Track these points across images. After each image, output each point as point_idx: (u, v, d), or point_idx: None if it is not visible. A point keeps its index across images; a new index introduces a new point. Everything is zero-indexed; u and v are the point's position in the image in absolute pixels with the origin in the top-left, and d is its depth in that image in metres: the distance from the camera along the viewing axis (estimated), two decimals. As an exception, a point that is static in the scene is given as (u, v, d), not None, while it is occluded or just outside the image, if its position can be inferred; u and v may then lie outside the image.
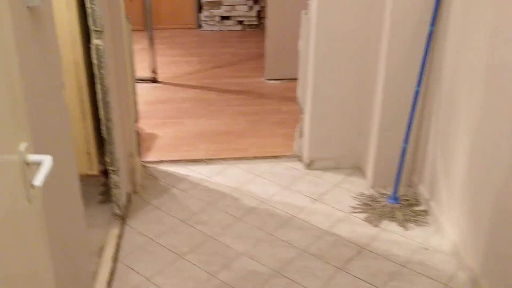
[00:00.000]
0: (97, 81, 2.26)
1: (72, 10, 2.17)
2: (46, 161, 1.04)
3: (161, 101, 4.03)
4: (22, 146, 1.01)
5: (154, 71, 4.37)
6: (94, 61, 2.22)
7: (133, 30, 5.63)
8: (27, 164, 1.02)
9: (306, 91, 2.88)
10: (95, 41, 2.19)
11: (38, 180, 1.00)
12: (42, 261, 1.13)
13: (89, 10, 2.13)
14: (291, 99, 4.00)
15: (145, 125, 3.55)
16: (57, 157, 1.47)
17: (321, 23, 2.65)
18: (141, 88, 4.24)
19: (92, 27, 2.16)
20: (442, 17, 2.35)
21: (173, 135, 3.45)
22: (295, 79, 3.09)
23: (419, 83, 2.47)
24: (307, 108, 2.89)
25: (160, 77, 4.47)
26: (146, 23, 4.32)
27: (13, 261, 0.96)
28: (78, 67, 2.26)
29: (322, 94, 2.81)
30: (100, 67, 2.23)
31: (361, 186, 2.86)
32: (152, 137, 3.41)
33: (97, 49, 2.19)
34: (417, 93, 2.48)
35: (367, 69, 2.75)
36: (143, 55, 4.70)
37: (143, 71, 4.48)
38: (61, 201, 1.54)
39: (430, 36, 2.39)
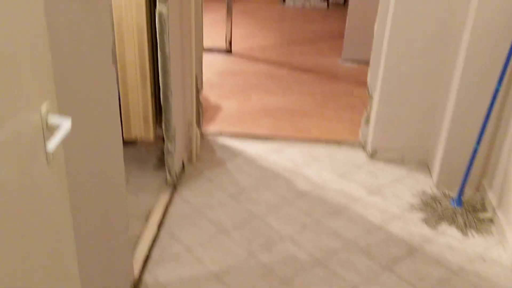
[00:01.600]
0: (159, 48, 2.25)
1: (139, -26, 2.16)
2: (65, 124, 1.01)
3: (232, 72, 4.00)
4: (44, 106, 0.99)
5: (229, 42, 4.34)
6: (157, 27, 2.21)
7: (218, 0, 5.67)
8: (47, 125, 1.00)
9: (377, 77, 2.72)
10: (159, 6, 2.17)
11: (52, 144, 0.99)
12: (63, 227, 1.13)
13: (155, -25, 2.11)
14: (365, 83, 3.81)
15: (212, 96, 3.54)
16: (95, 119, 1.47)
17: (400, 6, 2.46)
18: (214, 58, 4.24)
19: (157, -8, 2.14)
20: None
21: (237, 108, 3.41)
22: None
23: (500, 81, 2.24)
24: (376, 94, 2.73)
25: (236, 49, 4.44)
26: (227, -7, 4.28)
27: (32, 225, 0.95)
28: (141, 32, 2.26)
29: (393, 81, 2.64)
30: (162, 34, 2.22)
31: (424, 183, 2.68)
32: (217, 108, 3.40)
33: (160, 15, 2.17)
34: (496, 91, 2.26)
35: (443, 59, 2.54)
36: (222, 26, 4.68)
37: (219, 41, 4.47)
38: (101, 164, 1.55)
39: (520, 28, 2.15)
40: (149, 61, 2.36)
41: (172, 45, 2.29)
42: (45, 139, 0.99)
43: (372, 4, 4.00)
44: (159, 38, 2.23)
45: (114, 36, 2.34)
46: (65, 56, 1.24)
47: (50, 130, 1.01)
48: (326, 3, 5.77)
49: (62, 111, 1.13)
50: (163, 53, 2.26)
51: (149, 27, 2.30)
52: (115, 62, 1.59)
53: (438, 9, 2.43)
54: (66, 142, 1.14)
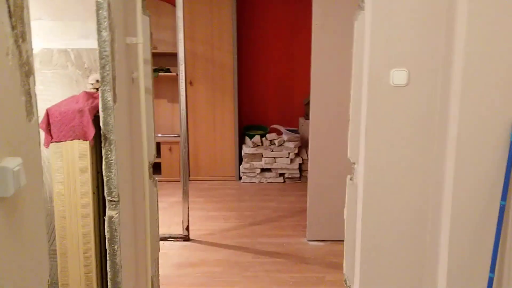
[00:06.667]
0: (108, 257, 1.95)
1: (86, 178, 1.94)
2: None
3: (192, 263, 3.66)
4: None
5: (187, 228, 4.07)
6: (107, 234, 1.93)
7: (171, 181, 5.55)
8: None
9: (354, 269, 2.46)
10: (109, 212, 1.92)
11: None
12: None
13: (105, 179, 1.90)
14: (336, 265, 3.57)
15: (170, 295, 3.15)
16: None
17: (370, 191, 2.32)
18: (171, 247, 3.92)
19: (107, 197, 1.91)
20: (516, 189, 1.98)
21: (200, 309, 3.02)
22: (341, 240, 2.70)
23: (492, 269, 2.03)
24: None
25: (194, 234, 4.15)
26: (182, 176, 4.12)
27: None
28: (87, 242, 1.97)
29: (373, 274, 2.37)
30: (112, 242, 1.93)
31: None
32: (176, 310, 3.00)
33: (110, 221, 1.91)
34: (491, 281, 2.03)
35: (425, 249, 2.34)
36: (178, 209, 4.46)
37: (176, 227, 4.20)
38: None
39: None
40: (96, 273, 2.03)
41: (124, 253, 1.99)
42: None
43: (333, 180, 3.94)
44: (110, 247, 1.94)
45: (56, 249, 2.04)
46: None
47: None
48: (282, 178, 5.74)
49: None
50: (114, 263, 1.95)
51: (97, 235, 2.02)
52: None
53: (412, 188, 2.30)
54: None
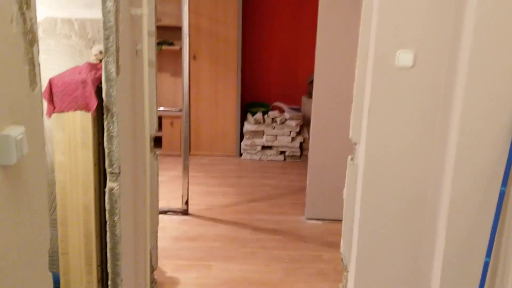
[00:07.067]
0: (108, 229, 1.96)
1: (87, 150, 1.94)
2: None
3: (190, 237, 3.69)
4: None
5: (186, 203, 4.09)
6: (107, 206, 1.94)
7: (172, 155, 5.56)
8: None
9: (351, 248, 2.48)
10: (109, 184, 1.92)
11: None
12: None
13: (106, 150, 1.90)
14: (334, 244, 3.59)
15: (168, 267, 3.18)
16: None
17: (370, 172, 2.32)
18: (170, 221, 3.94)
19: (108, 169, 1.91)
20: (516, 175, 1.98)
21: (197, 282, 3.05)
22: (339, 220, 2.72)
23: (489, 254, 2.04)
24: (352, 267, 2.47)
25: (192, 209, 4.18)
26: (182, 151, 4.13)
27: None
28: (88, 212, 1.98)
29: (370, 254, 2.40)
30: (112, 214, 1.94)
31: None
32: (174, 282, 3.03)
33: (111, 193, 1.92)
34: (486, 265, 2.05)
35: (422, 232, 2.35)
36: (178, 184, 4.47)
37: (175, 201, 4.22)
38: None
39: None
40: (96, 243, 2.05)
41: (123, 225, 2.00)
42: None
43: (334, 160, 3.95)
44: (109, 219, 1.95)
45: (57, 218, 2.05)
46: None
47: None
48: (282, 156, 5.75)
49: None
50: (113, 234, 1.96)
51: (98, 205, 2.03)
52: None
53: (413, 168, 2.30)
54: None
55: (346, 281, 2.56)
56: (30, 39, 1.17)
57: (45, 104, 1.94)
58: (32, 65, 1.18)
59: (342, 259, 2.59)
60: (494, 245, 2.07)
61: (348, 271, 2.54)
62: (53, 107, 1.96)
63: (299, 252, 3.51)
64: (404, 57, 2.17)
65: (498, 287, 2.12)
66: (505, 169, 1.99)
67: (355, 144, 2.45)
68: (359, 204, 2.38)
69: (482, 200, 2.08)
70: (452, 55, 2.12)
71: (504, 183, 2.00)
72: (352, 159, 2.49)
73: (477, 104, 2.01)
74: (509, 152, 1.98)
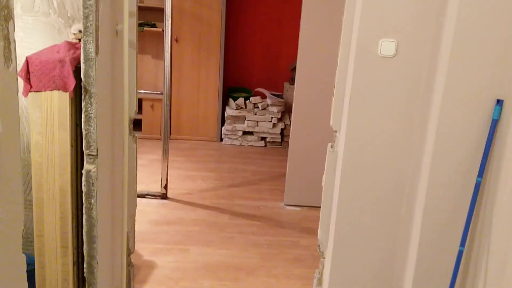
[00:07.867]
0: (85, 211, 1.94)
1: (65, 131, 1.90)
2: None
3: (168, 221, 3.67)
4: None
5: (165, 187, 4.07)
6: (84, 188, 1.91)
7: (152, 139, 5.52)
8: None
9: (328, 235, 2.50)
10: (86, 166, 1.90)
11: None
12: None
13: (84, 132, 1.87)
14: (311, 231, 3.62)
15: (145, 251, 3.17)
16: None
17: (349, 160, 2.33)
18: (148, 204, 3.92)
19: (85, 151, 1.88)
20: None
21: (174, 266, 3.05)
22: (317, 207, 2.73)
23: (463, 243, 2.07)
24: (328, 253, 2.49)
25: (172, 193, 4.16)
26: (163, 134, 4.09)
27: None
28: (64, 194, 1.95)
29: (347, 241, 2.42)
30: (89, 196, 1.92)
31: None
32: (150, 266, 3.02)
33: (88, 175, 1.89)
34: (460, 254, 2.08)
35: (399, 220, 2.38)
36: (157, 167, 4.45)
37: (154, 185, 4.20)
38: None
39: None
40: (72, 225, 2.02)
41: (100, 208, 1.98)
42: None
43: (314, 147, 3.96)
44: (86, 201, 1.93)
45: (33, 199, 2.02)
46: None
47: None
48: (263, 142, 5.75)
49: None
50: (90, 217, 1.95)
51: (74, 188, 2.00)
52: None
53: (392, 157, 2.32)
54: None
55: (323, 267, 2.58)
56: (5, 14, 1.13)
57: (21, 82, 1.90)
58: (8, 41, 1.15)
59: (319, 246, 2.60)
60: (469, 235, 2.11)
61: (324, 257, 2.56)
62: (30, 86, 1.92)
63: (277, 237, 3.53)
64: (387, 46, 2.17)
65: (471, 275, 2.16)
66: (481, 160, 2.02)
67: (336, 131, 2.45)
68: (337, 192, 2.39)
69: (459, 190, 2.11)
70: (434, 45, 2.13)
71: (480, 174, 2.02)
72: (332, 146, 2.49)
73: (456, 95, 2.02)
74: (486, 144, 2.00)
